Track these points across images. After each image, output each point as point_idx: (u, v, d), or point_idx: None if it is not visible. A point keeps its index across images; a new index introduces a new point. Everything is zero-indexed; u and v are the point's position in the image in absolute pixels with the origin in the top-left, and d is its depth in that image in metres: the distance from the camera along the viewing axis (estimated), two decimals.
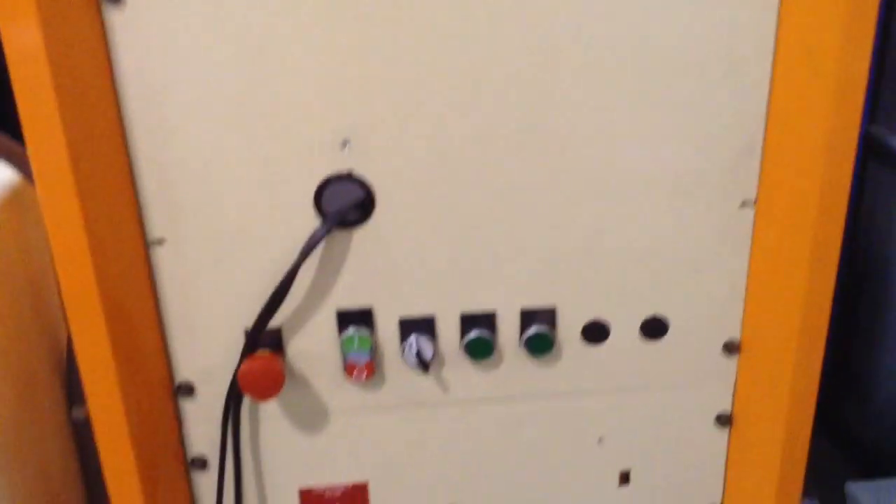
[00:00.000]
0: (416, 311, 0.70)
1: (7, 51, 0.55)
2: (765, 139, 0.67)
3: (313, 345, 0.71)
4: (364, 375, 0.71)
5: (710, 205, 0.68)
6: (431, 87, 0.63)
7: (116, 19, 0.59)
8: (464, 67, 0.63)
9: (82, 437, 0.89)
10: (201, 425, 0.74)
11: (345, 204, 0.66)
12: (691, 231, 0.69)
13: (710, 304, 0.72)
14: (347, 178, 0.66)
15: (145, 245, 0.67)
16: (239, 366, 0.68)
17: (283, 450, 0.75)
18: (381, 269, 0.69)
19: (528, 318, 0.71)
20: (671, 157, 0.67)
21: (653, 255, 0.70)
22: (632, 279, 0.70)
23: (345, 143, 0.64)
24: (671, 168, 0.67)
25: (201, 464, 0.76)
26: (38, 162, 0.58)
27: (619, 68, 0.64)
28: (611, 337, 0.72)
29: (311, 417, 0.74)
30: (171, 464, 0.74)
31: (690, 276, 0.70)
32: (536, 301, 0.71)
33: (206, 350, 0.71)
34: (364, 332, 0.70)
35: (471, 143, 0.65)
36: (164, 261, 0.67)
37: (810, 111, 0.63)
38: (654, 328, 0.72)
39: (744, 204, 0.69)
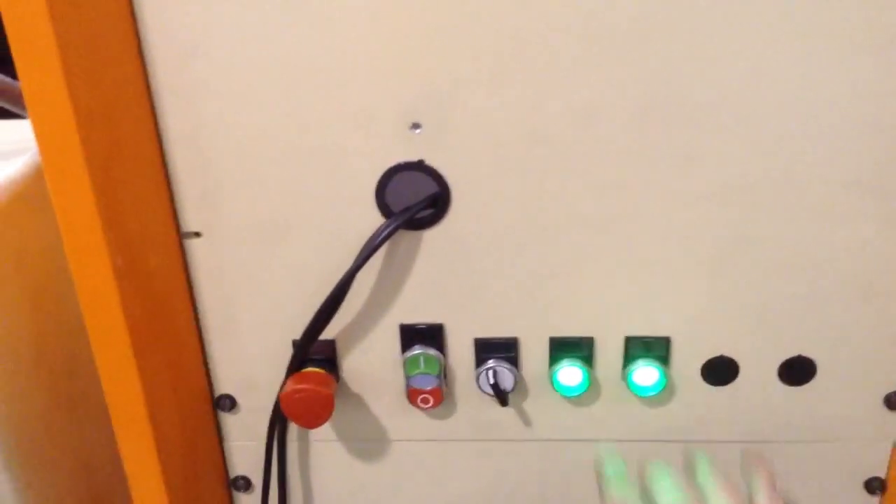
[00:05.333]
0: (495, 331, 0.58)
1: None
2: None
3: (372, 364, 0.60)
4: (430, 403, 0.59)
5: (880, 219, 0.52)
6: (525, 54, 0.49)
7: None
8: (568, 24, 0.49)
9: None
10: (244, 442, 0.64)
11: (414, 200, 0.54)
12: (856, 249, 0.53)
13: (872, 346, 0.56)
14: (417, 169, 0.53)
15: (179, 238, 0.57)
16: (284, 385, 0.57)
17: (336, 477, 0.65)
18: (454, 278, 0.56)
19: (634, 348, 0.57)
20: (848, 145, 0.51)
21: (802, 278, 0.54)
22: (773, 309, 0.55)
23: (415, 126, 0.52)
24: (847, 162, 0.51)
25: (245, 484, 0.66)
26: (43, 141, 0.48)
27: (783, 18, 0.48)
28: (739, 378, 0.58)
29: (369, 444, 0.63)
30: (210, 483, 0.65)
31: (850, 308, 0.55)
32: (646, 329, 0.57)
33: (249, 360, 0.61)
34: (431, 352, 0.58)
35: (570, 129, 0.51)
36: (201, 257, 0.57)
37: None
38: (796, 371, 0.57)
39: None
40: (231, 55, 0.50)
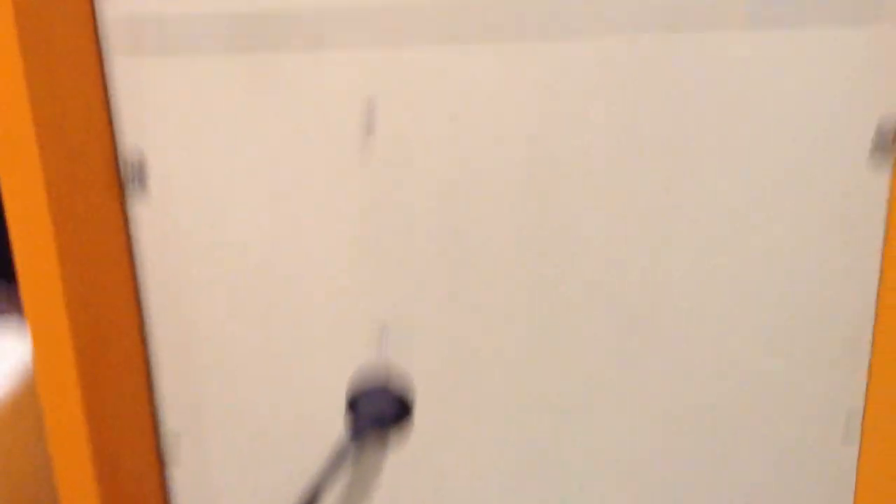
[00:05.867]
0: None
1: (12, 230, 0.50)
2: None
3: None
4: None
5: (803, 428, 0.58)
6: (480, 271, 0.55)
7: (140, 211, 0.54)
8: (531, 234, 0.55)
9: None
10: None
11: (382, 407, 0.58)
12: (785, 459, 0.59)
13: None
14: (383, 392, 0.58)
15: (156, 436, 0.60)
16: None
17: None
18: (419, 484, 0.60)
19: None
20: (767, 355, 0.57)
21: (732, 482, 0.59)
22: None
23: (383, 331, 0.57)
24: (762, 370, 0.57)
25: None
26: (41, 362, 0.52)
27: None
28: None
29: None
30: None
31: None
32: None
33: None
34: None
35: (532, 342, 0.57)
36: (180, 454, 0.60)
37: None
38: None
39: (848, 418, 0.58)
40: (220, 282, 0.55)
